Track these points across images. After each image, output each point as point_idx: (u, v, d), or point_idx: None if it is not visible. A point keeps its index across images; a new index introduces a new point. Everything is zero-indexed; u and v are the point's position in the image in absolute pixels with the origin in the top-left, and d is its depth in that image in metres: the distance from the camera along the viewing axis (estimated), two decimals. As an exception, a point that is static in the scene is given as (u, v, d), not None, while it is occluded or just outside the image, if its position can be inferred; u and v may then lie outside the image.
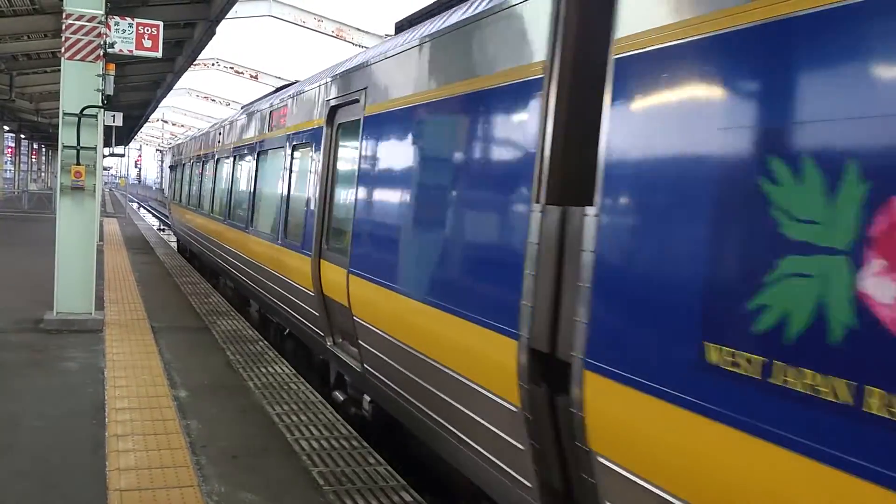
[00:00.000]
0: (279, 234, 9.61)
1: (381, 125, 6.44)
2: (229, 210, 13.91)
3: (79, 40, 9.70)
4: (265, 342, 9.83)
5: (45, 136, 48.35)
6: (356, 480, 5.42)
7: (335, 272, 7.30)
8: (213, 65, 37.63)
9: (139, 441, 5.95)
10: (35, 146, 61.19)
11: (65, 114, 9.77)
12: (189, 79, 40.51)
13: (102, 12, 9.81)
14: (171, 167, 27.90)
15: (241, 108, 15.75)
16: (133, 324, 10.42)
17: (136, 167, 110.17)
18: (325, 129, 8.12)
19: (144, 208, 67.44)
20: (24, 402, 6.82)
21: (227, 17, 18.16)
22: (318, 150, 8.29)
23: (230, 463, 5.66)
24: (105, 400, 6.96)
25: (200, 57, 25.23)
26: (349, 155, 7.59)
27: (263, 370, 8.35)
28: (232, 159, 14.24)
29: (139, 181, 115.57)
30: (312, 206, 8.26)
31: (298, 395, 7.46)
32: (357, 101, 7.19)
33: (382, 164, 6.40)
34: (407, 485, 5.42)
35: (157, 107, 38.19)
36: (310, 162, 8.58)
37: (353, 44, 27.21)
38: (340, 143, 7.89)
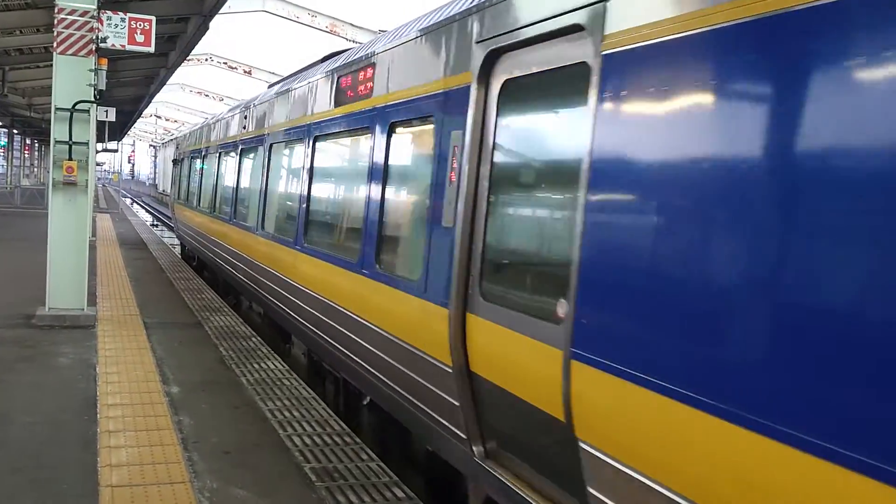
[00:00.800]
0: (364, 259, 6.40)
1: (678, 62, 3.15)
2: (262, 217, 10.63)
3: (71, 35, 9.67)
4: (258, 338, 9.81)
5: (37, 131, 48.20)
6: (349, 476, 5.42)
7: (518, 346, 4.15)
8: (206, 60, 37.52)
9: (131, 437, 5.93)
10: (28, 141, 60.98)
11: (57, 109, 9.74)
12: (182, 74, 40.40)
13: (95, 7, 9.78)
14: (175, 161, 23.31)
15: (282, 81, 12.13)
16: (125, 319, 10.39)
17: (129, 163, 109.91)
18: (474, 90, 4.81)
19: (138, 204, 67.34)
20: (16, 398, 6.80)
21: (220, 12, 18.12)
22: (453, 127, 5.02)
23: (222, 459, 5.65)
24: (97, 396, 6.94)
25: (194, 52, 25.17)
26: (544, 132, 4.48)
27: (256, 366, 8.34)
28: (266, 149, 10.75)
29: (132, 177, 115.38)
30: (446, 222, 4.97)
31: (291, 391, 7.45)
32: (574, 29, 3.90)
33: (698, 147, 3.04)
34: (399, 480, 5.42)
35: (150, 102, 38.07)
36: (434, 147, 5.30)
37: (347, 39, 27.15)
38: (512, 113, 4.62)
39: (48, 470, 5.29)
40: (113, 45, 10.32)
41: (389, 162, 6.29)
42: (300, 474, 5.44)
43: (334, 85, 7.85)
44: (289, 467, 5.56)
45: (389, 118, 6.26)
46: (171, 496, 4.93)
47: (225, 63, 38.23)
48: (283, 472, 5.48)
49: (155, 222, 45.11)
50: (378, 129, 6.47)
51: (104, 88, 10.12)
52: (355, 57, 7.42)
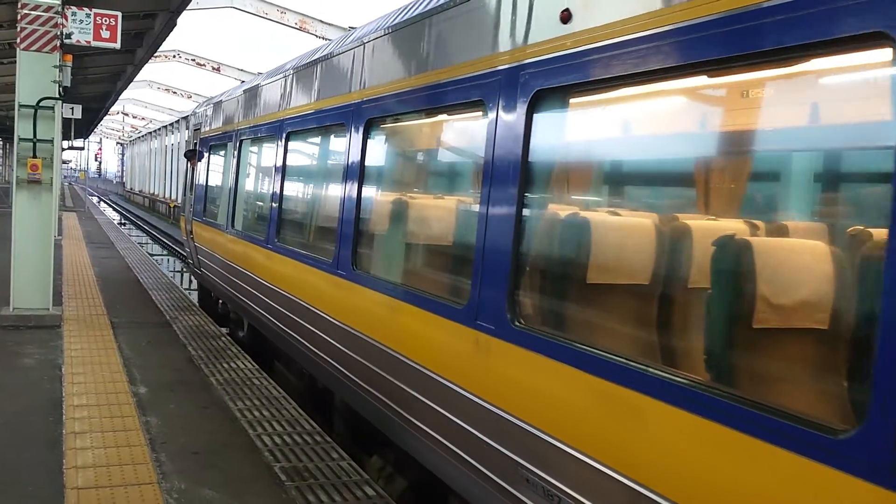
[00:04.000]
0: None
1: None
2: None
3: (35, 30, 9.54)
4: (227, 338, 9.73)
5: (1, 128, 47.41)
6: (319, 476, 5.39)
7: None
8: (174, 57, 37.11)
9: (97, 438, 5.86)
10: (-9, 139, 59.98)
11: (21, 106, 9.61)
12: (150, 71, 39.96)
13: (59, 2, 9.65)
14: (192, 153, 14.22)
15: None
16: (92, 319, 10.26)
17: (96, 161, 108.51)
18: None
19: (105, 202, 66.65)
20: (-21, 400, 6.70)
21: (188, 8, 17.93)
22: None
23: (191, 459, 5.60)
24: (62, 396, 6.84)
25: (161, 49, 24.88)
26: None
27: (226, 366, 8.27)
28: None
29: (100, 175, 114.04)
30: None
31: (261, 391, 7.40)
32: None
33: None
34: (370, 479, 5.41)
35: (117, 99, 37.61)
36: None
37: (317, 36, 27.01)
38: None
39: (12, 472, 5.21)
40: (78, 40, 10.19)
41: None
42: (270, 474, 5.40)
43: None
44: (259, 467, 5.53)
45: None
46: (138, 497, 4.88)
47: (193, 60, 37.83)
48: (253, 472, 5.44)
49: (122, 221, 44.69)
50: None
51: (69, 85, 9.99)
52: None
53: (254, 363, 8.47)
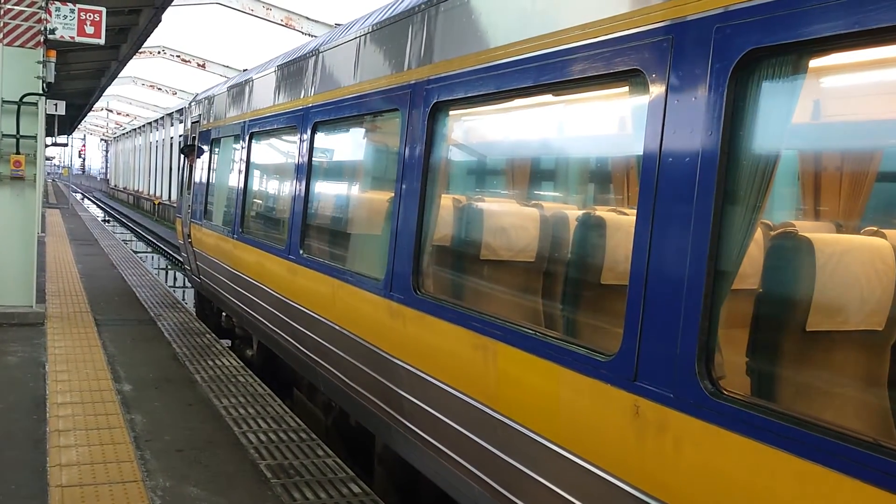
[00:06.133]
0: None
1: None
2: None
3: (18, 26, 9.48)
4: (212, 335, 9.71)
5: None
6: (304, 473, 5.39)
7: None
8: (159, 53, 36.87)
9: (81, 436, 5.83)
10: (-27, 135, 59.46)
11: (4, 101, 9.55)
12: (134, 67, 39.72)
13: (42, -3, 9.60)
14: (188, 150, 12.69)
15: None
16: (76, 317, 10.21)
17: (80, 157, 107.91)
18: None
19: (88, 199, 66.28)
20: (-39, 398, 6.65)
21: (173, 3, 17.84)
22: None
23: (175, 457, 5.58)
24: (46, 394, 6.81)
25: (146, 45, 24.74)
26: None
27: (210, 363, 8.25)
28: None
29: (83, 171, 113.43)
30: None
31: (246, 388, 7.38)
32: None
33: None
34: (356, 476, 5.41)
35: (101, 95, 37.42)
36: None
37: (303, 32, 26.93)
38: None
39: (-5, 470, 5.18)
40: (62, 36, 10.15)
41: None
42: (255, 471, 5.39)
43: None
44: (244, 465, 5.52)
45: None
46: (122, 495, 4.86)
47: (178, 56, 37.59)
48: (238, 469, 5.43)
49: (106, 218, 44.46)
50: None
51: (53, 81, 9.95)
52: None
53: (238, 360, 8.45)
